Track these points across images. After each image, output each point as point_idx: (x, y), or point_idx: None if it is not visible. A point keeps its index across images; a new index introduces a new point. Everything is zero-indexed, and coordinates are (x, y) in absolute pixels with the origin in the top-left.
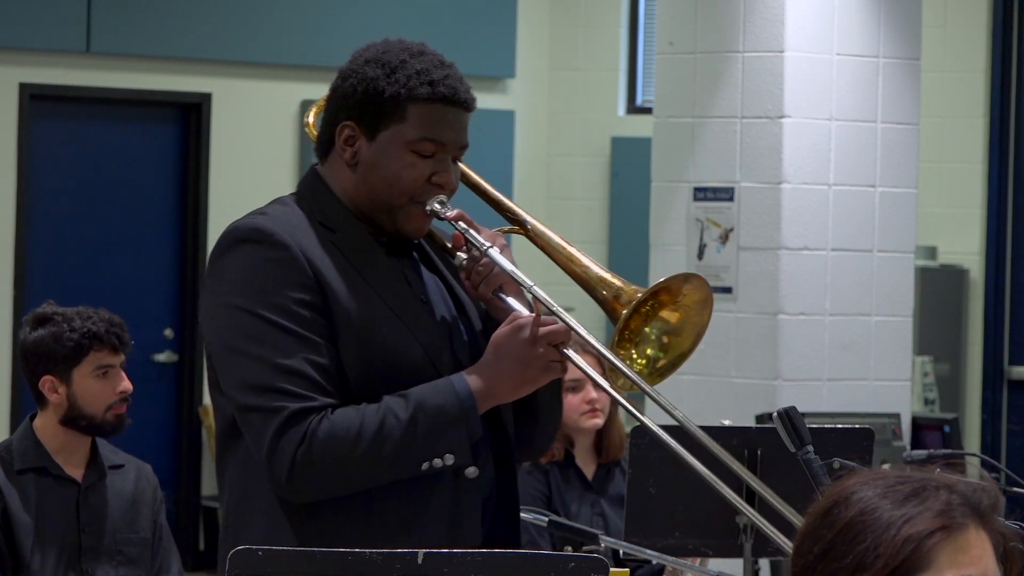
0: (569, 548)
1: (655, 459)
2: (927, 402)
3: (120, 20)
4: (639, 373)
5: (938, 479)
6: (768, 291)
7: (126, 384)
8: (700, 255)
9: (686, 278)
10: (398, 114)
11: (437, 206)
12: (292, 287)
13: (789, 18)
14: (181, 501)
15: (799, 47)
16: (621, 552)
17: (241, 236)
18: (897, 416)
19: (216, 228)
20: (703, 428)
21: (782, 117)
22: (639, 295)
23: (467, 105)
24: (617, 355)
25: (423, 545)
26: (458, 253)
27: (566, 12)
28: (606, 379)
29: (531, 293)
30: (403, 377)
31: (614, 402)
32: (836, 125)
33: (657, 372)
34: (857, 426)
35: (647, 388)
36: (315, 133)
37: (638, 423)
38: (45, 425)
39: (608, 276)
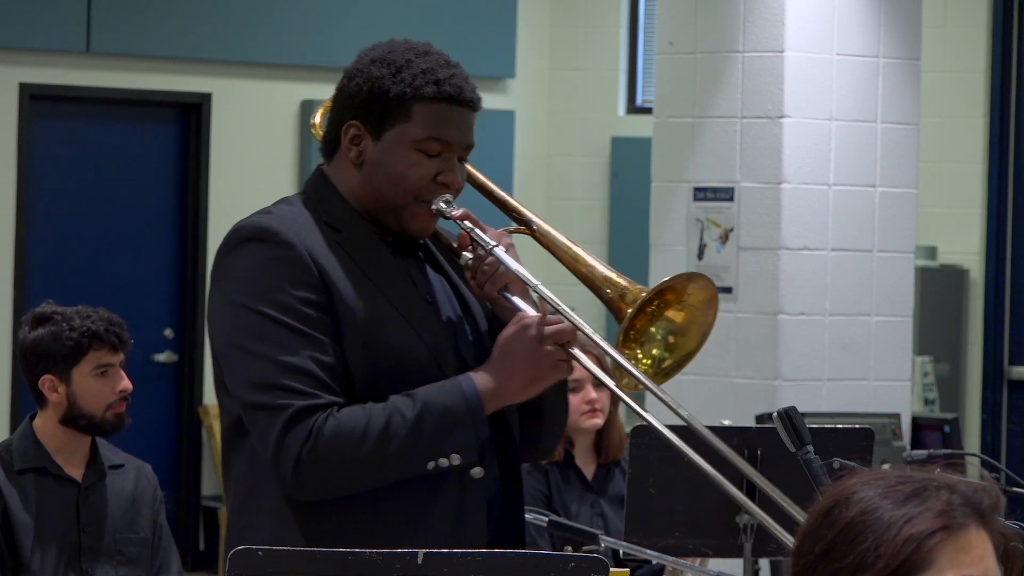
0: (569, 548)
1: (655, 459)
2: (927, 402)
3: (120, 20)
4: (644, 373)
5: (939, 479)
6: (768, 291)
7: (126, 383)
8: (700, 255)
9: (691, 277)
10: (404, 113)
11: (443, 205)
12: (297, 286)
13: (789, 18)
14: (181, 501)
15: (799, 47)
16: (621, 552)
17: (247, 235)
18: (897, 416)
19: (216, 228)
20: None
21: (782, 117)
22: (644, 294)
23: (473, 104)
24: (623, 355)
25: (428, 545)
26: (464, 252)
27: (566, 12)
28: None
29: (537, 292)
30: (408, 377)
31: (614, 402)
32: (836, 125)
33: (662, 372)
34: (857, 426)
35: (654, 387)
36: (321, 134)
37: (638, 423)
38: (45, 425)
39: (613, 276)
